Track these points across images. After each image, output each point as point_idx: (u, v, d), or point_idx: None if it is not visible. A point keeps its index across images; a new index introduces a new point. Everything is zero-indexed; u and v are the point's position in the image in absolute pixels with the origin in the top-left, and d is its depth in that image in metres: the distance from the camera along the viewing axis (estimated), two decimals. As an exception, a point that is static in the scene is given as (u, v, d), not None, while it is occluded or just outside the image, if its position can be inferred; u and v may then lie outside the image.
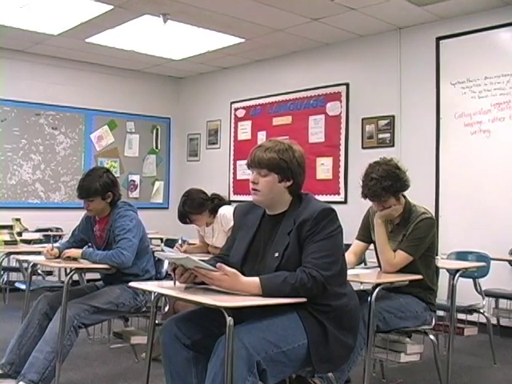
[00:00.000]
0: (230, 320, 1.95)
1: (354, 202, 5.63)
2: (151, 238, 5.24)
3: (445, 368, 3.40)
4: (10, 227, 4.54)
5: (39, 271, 5.37)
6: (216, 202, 4.31)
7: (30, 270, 3.95)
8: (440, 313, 3.86)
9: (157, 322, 2.78)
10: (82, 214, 3.70)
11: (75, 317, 3.15)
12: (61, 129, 7.17)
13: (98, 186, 3.41)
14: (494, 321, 4.54)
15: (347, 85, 6.15)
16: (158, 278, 3.64)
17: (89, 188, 3.41)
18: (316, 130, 6.41)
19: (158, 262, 3.71)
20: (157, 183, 8.06)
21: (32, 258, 3.67)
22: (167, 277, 3.63)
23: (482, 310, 3.98)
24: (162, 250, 3.27)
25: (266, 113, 6.95)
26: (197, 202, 4.18)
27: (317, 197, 2.44)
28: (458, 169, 5.22)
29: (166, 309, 3.61)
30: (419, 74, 5.53)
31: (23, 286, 4.47)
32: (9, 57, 6.65)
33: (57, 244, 3.78)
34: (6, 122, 6.73)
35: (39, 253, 3.64)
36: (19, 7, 5.23)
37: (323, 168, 6.30)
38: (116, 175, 3.72)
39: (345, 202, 6.04)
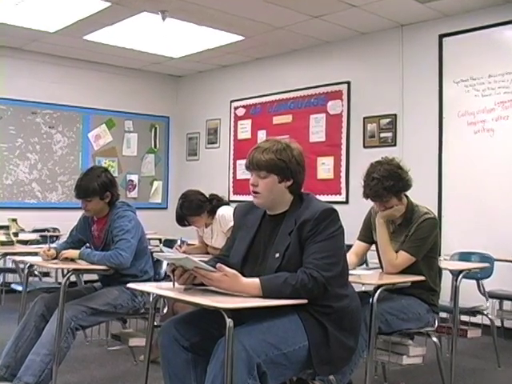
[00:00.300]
0: (229, 322, 1.95)
1: (355, 202, 5.63)
2: (150, 239, 5.24)
3: (448, 371, 3.40)
4: (7, 227, 4.54)
5: (36, 272, 5.36)
6: (214, 202, 4.31)
7: (26, 271, 3.95)
8: (443, 314, 3.87)
9: (155, 323, 2.78)
10: (79, 214, 3.70)
11: (72, 318, 3.15)
12: (58, 128, 7.17)
13: (96, 186, 3.41)
14: (498, 323, 4.54)
15: (348, 83, 6.15)
16: (156, 279, 3.64)
17: (87, 188, 3.41)
18: (317, 129, 6.41)
19: (157, 263, 3.71)
20: (155, 183, 8.06)
21: (29, 259, 3.66)
22: (166, 278, 3.63)
23: (485, 312, 3.98)
24: (161, 251, 3.27)
25: (266, 111, 6.96)
26: (195, 203, 4.18)
27: (318, 197, 2.44)
28: (461, 168, 5.22)
29: (165, 310, 3.61)
30: (422, 72, 5.53)
31: (20, 288, 4.47)
32: (5, 54, 6.65)
33: (54, 245, 3.78)
34: (1, 121, 6.73)
35: (36, 254, 3.64)
36: (15, 4, 5.23)
37: (324, 168, 6.30)
38: (114, 175, 3.72)
39: (346, 202, 6.04)
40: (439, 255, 3.34)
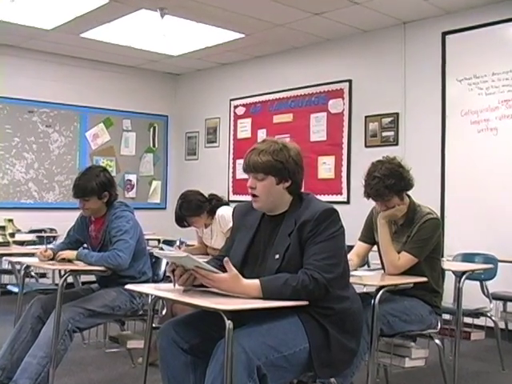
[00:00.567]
0: (229, 323, 1.96)
1: (356, 202, 5.63)
2: (148, 239, 5.24)
3: (451, 374, 3.41)
4: (3, 228, 4.54)
5: (32, 273, 5.36)
6: (214, 202, 4.32)
7: (22, 273, 3.95)
8: (446, 316, 3.86)
9: (154, 325, 2.77)
10: (76, 214, 3.70)
11: (69, 320, 3.15)
12: (55, 127, 7.17)
13: (94, 185, 3.41)
14: (501, 325, 4.53)
15: (350, 81, 6.15)
16: (155, 281, 3.64)
17: (85, 187, 3.41)
18: (318, 128, 6.41)
19: (155, 264, 3.71)
20: (154, 183, 8.06)
21: (25, 260, 3.66)
22: (165, 279, 3.63)
23: (489, 314, 3.98)
24: (161, 249, 3.25)
25: (266, 110, 6.95)
26: (194, 204, 4.19)
27: (318, 197, 2.44)
28: (464, 168, 5.22)
29: (164, 312, 3.61)
30: (424, 70, 5.53)
31: (16, 289, 4.47)
32: (0, 52, 6.65)
33: (51, 245, 3.78)
34: (-2, 120, 6.74)
35: (32, 254, 3.64)
36: (10, 0, 5.22)
37: (325, 167, 6.31)
38: (112, 174, 3.72)
39: (347, 202, 6.04)
40: (442, 256, 3.34)
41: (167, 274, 2.35)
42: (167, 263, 2.35)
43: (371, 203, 3.22)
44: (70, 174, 7.05)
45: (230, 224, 2.66)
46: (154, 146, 8.07)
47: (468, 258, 4.19)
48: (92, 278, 3.69)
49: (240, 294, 2.15)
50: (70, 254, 3.37)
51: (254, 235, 2.40)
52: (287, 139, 2.43)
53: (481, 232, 4.99)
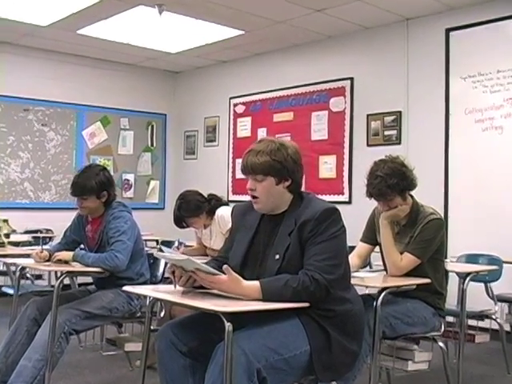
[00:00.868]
0: (228, 326, 1.96)
1: (358, 202, 5.63)
2: (146, 240, 5.25)
3: (455, 377, 3.41)
4: (-2, 228, 4.54)
5: (28, 275, 5.36)
6: (213, 202, 4.32)
7: (18, 274, 3.96)
8: (449, 319, 3.86)
9: (152, 327, 2.78)
10: (73, 214, 3.70)
11: (66, 323, 3.15)
12: (51, 125, 7.17)
13: (93, 184, 3.41)
14: (507, 327, 4.52)
15: (352, 79, 6.15)
16: (153, 282, 3.64)
17: (84, 185, 3.41)
18: (319, 126, 6.41)
19: (153, 265, 3.71)
20: (152, 182, 8.06)
21: (20, 261, 3.66)
22: (163, 280, 3.64)
23: (494, 316, 3.98)
24: (161, 250, 3.26)
25: (266, 109, 6.96)
26: (193, 204, 4.19)
27: (319, 197, 2.45)
28: (469, 167, 5.22)
29: (162, 314, 3.61)
30: (427, 68, 5.53)
31: (11, 291, 4.47)
32: (-4, 49, 6.67)
33: (47, 246, 3.78)
34: (-7, 119, 6.75)
35: (28, 255, 3.64)
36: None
37: (326, 167, 6.31)
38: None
39: (349, 202, 6.04)
40: (445, 257, 3.34)
41: (166, 275, 2.36)
42: (166, 264, 2.36)
43: (373, 203, 3.22)
44: (67, 174, 7.06)
45: (230, 224, 2.67)
46: (152, 145, 8.07)
47: (472, 259, 4.19)
48: (89, 279, 3.69)
49: (240, 295, 2.15)
50: (67, 255, 3.37)
51: (254, 235, 2.41)
52: (287, 138, 2.43)
53: (485, 232, 4.99)
